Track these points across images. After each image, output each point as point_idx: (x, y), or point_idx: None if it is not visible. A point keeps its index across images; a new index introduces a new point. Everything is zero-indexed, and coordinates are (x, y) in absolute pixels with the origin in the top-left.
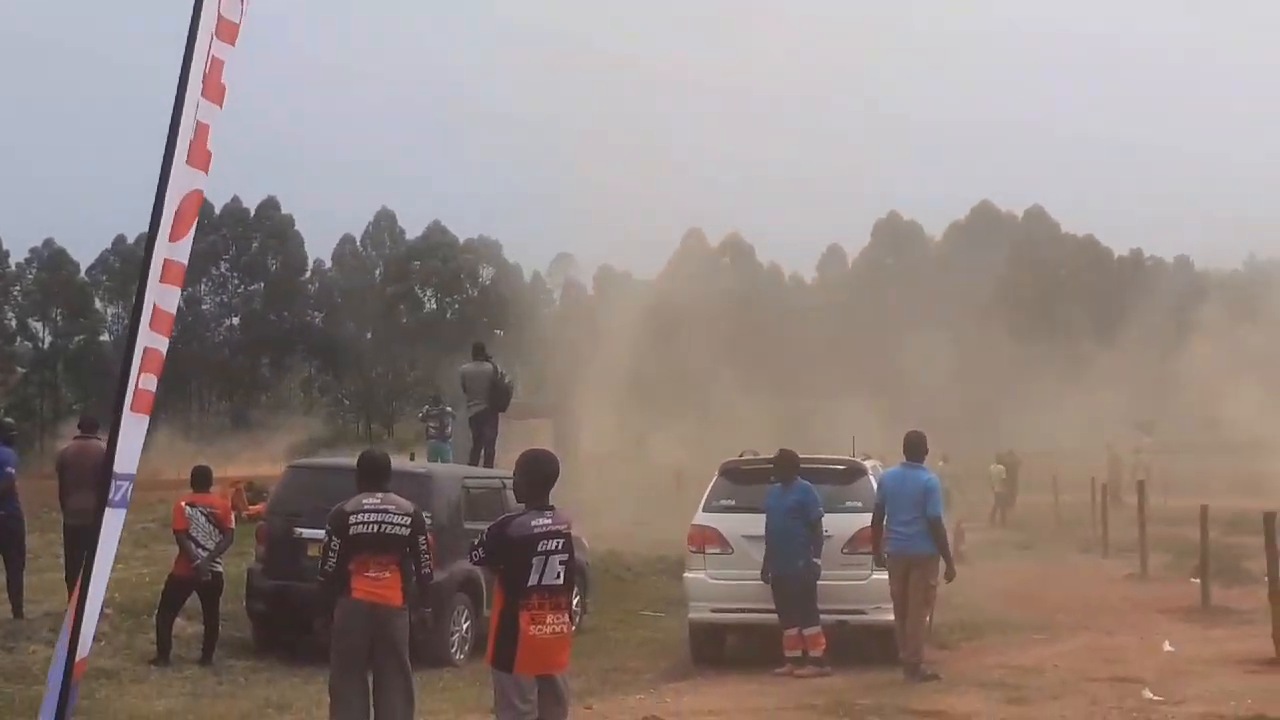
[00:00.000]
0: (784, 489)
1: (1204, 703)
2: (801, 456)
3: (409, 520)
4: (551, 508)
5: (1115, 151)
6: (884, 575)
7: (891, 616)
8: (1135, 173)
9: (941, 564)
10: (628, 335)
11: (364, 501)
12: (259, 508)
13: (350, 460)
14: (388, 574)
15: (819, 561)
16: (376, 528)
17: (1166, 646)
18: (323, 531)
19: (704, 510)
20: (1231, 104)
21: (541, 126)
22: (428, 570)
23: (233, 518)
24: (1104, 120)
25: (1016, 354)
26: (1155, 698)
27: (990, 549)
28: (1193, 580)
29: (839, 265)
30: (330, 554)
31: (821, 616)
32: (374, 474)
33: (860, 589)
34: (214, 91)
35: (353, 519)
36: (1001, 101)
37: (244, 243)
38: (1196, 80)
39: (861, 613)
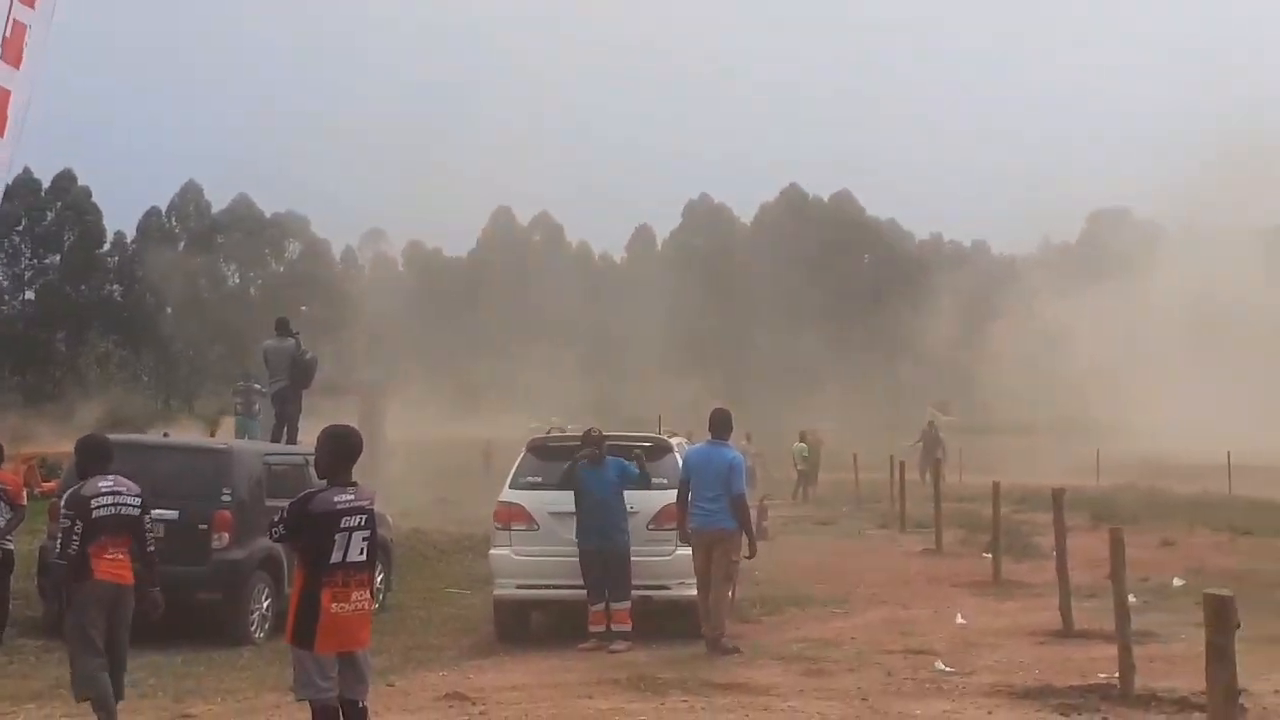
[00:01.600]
0: (596, 466)
1: (994, 673)
2: (608, 434)
3: (139, 500)
4: (354, 483)
5: (918, 136)
6: (688, 551)
7: (695, 592)
8: (935, 157)
9: (744, 540)
10: (438, 312)
11: (99, 485)
12: (52, 484)
13: (145, 437)
14: (122, 554)
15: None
16: (114, 510)
17: (959, 619)
18: None
19: (511, 487)
20: (1025, 91)
21: (352, 98)
22: (153, 548)
23: (24, 494)
24: (907, 105)
25: (824, 335)
26: (947, 669)
27: (792, 525)
28: (985, 555)
29: (648, 246)
30: (73, 538)
31: (630, 591)
32: (101, 456)
33: (664, 565)
34: (13, 56)
35: (94, 503)
36: (808, 85)
37: (37, 214)
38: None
39: (665, 588)
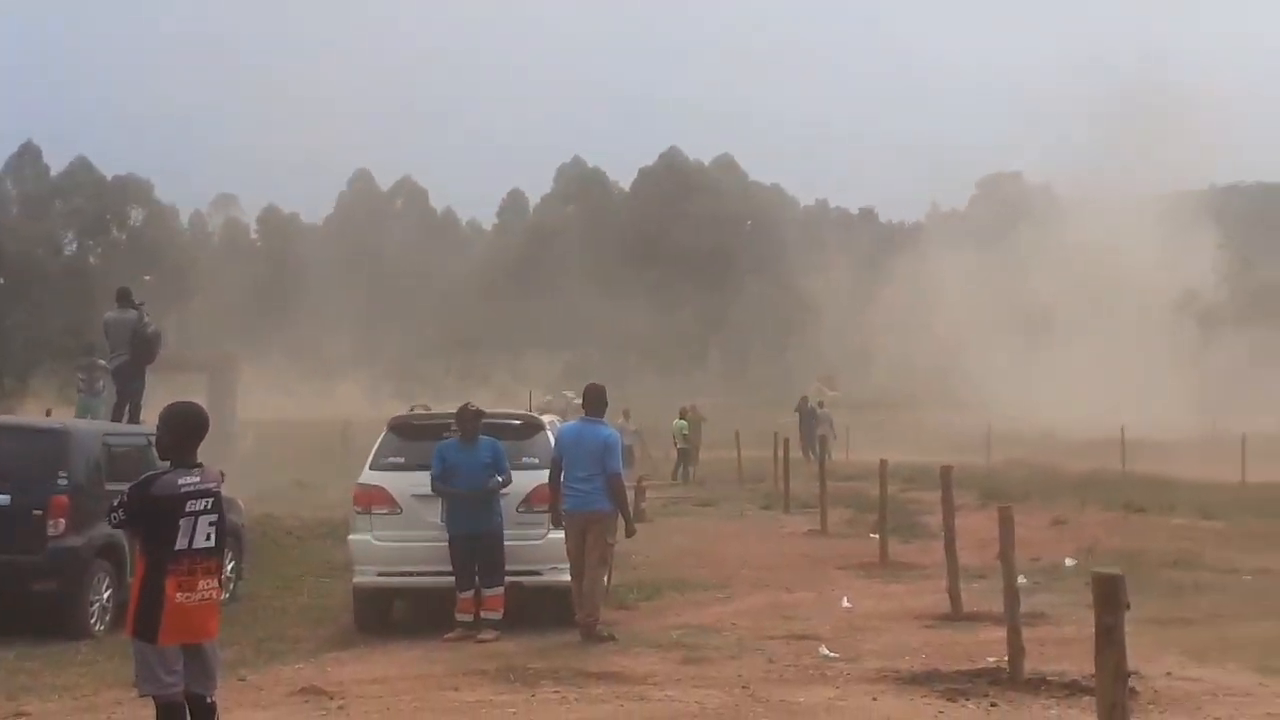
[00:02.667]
0: (467, 445)
1: (879, 658)
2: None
3: None
4: (200, 465)
5: (806, 104)
6: (560, 535)
7: (568, 577)
8: (821, 125)
9: (620, 521)
10: (295, 282)
11: None
12: None
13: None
14: None
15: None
16: None
17: (845, 603)
18: None
19: (371, 468)
20: (916, 58)
21: (196, 50)
22: None
23: None
24: (793, 70)
25: (707, 305)
26: (832, 654)
27: (672, 506)
28: (872, 536)
29: (521, 212)
30: None
31: (503, 577)
32: None
33: (536, 549)
34: None
35: None
36: (688, 53)
37: None
38: (885, 34)
39: (537, 574)
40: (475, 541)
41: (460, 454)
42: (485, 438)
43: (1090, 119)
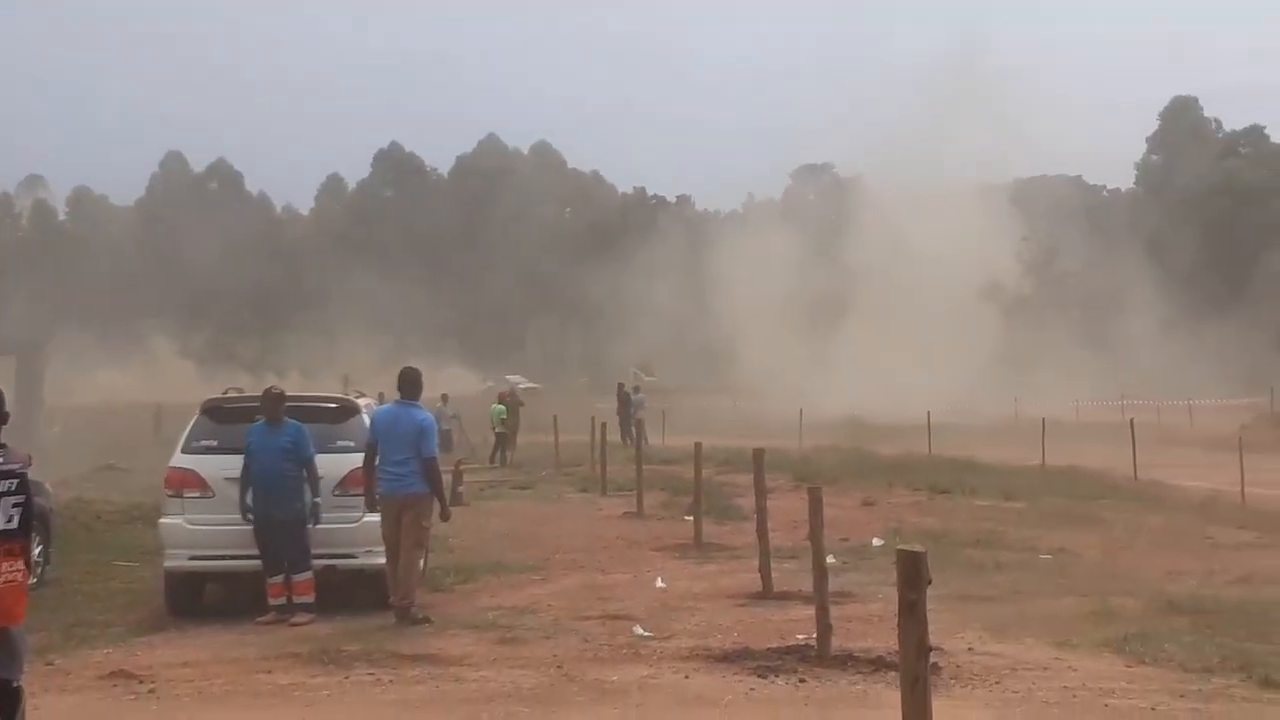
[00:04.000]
0: (272, 428)
1: (692, 637)
2: (290, 394)
3: None
4: (3, 446)
5: (623, 90)
6: (376, 518)
7: (383, 560)
8: (639, 111)
9: (436, 505)
10: (107, 265)
11: None
12: None
13: None
14: None
15: (319, 501)
16: None
17: (659, 583)
18: None
19: (183, 451)
20: (729, 48)
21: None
22: None
23: None
24: (609, 59)
25: (526, 291)
26: (645, 633)
27: (489, 490)
28: (686, 518)
29: (339, 197)
30: None
31: (311, 561)
32: None
33: (351, 532)
34: None
35: None
36: (508, 41)
37: None
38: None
39: (352, 557)
40: (276, 526)
41: (264, 437)
42: (291, 421)
43: (900, 112)
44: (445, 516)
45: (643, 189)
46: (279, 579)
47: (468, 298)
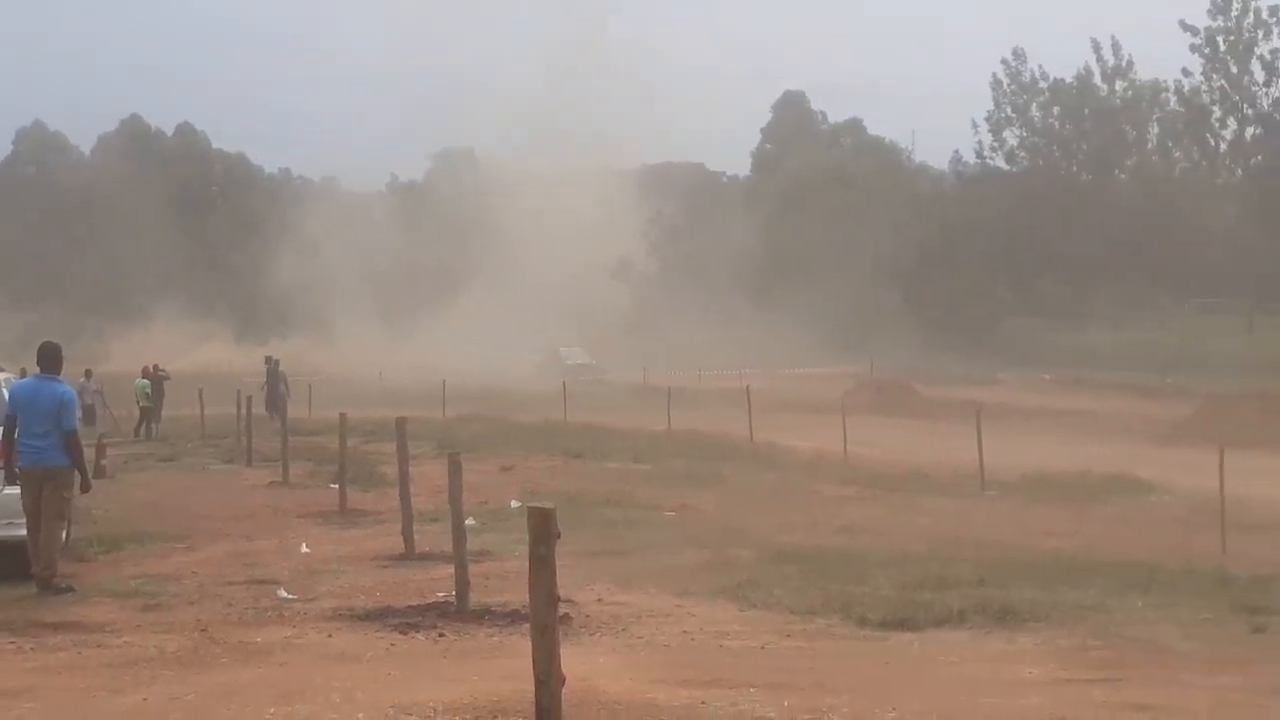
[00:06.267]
0: None
1: (336, 598)
2: None
3: None
4: None
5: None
6: (16, 491)
7: (24, 532)
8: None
9: (77, 477)
10: None
11: None
12: None
13: None
14: None
15: None
16: None
17: (304, 548)
18: None
19: None
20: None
21: None
22: None
23: None
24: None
25: (170, 268)
26: (290, 596)
27: (134, 463)
28: (332, 486)
29: None
30: None
31: None
32: None
33: None
34: None
35: None
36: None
37: None
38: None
39: None
40: None
41: None
42: None
43: (537, 100)
44: (86, 488)
45: (288, 169)
46: None
47: (106, 274)
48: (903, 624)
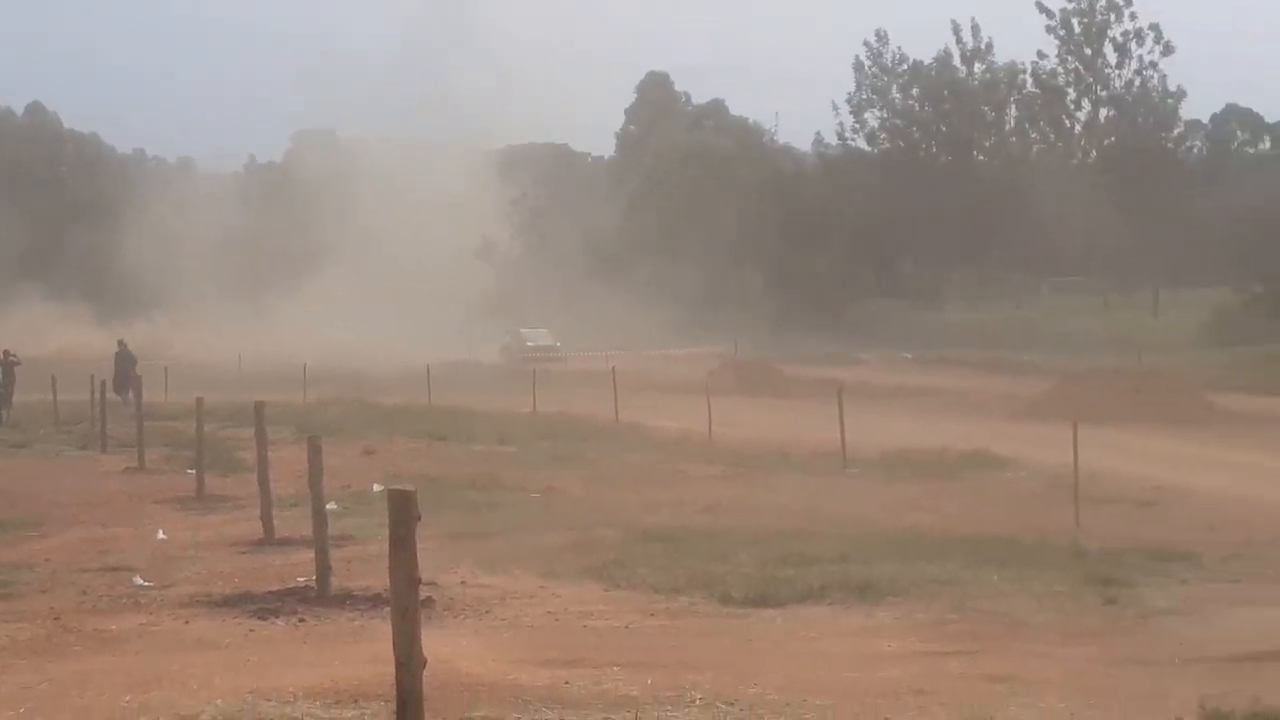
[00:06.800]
0: None
1: (193, 584)
2: None
3: None
4: None
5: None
6: None
7: None
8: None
9: None
10: None
11: None
12: None
13: None
14: None
15: None
16: None
17: (160, 535)
18: None
19: None
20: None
21: None
22: None
23: None
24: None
25: (26, 253)
26: (146, 583)
27: None
28: (189, 471)
29: None
30: None
31: None
32: None
33: None
34: None
35: None
36: None
37: None
38: None
39: None
40: None
41: None
42: None
43: (398, 79)
44: None
45: (142, 150)
46: None
47: None
48: (765, 601)
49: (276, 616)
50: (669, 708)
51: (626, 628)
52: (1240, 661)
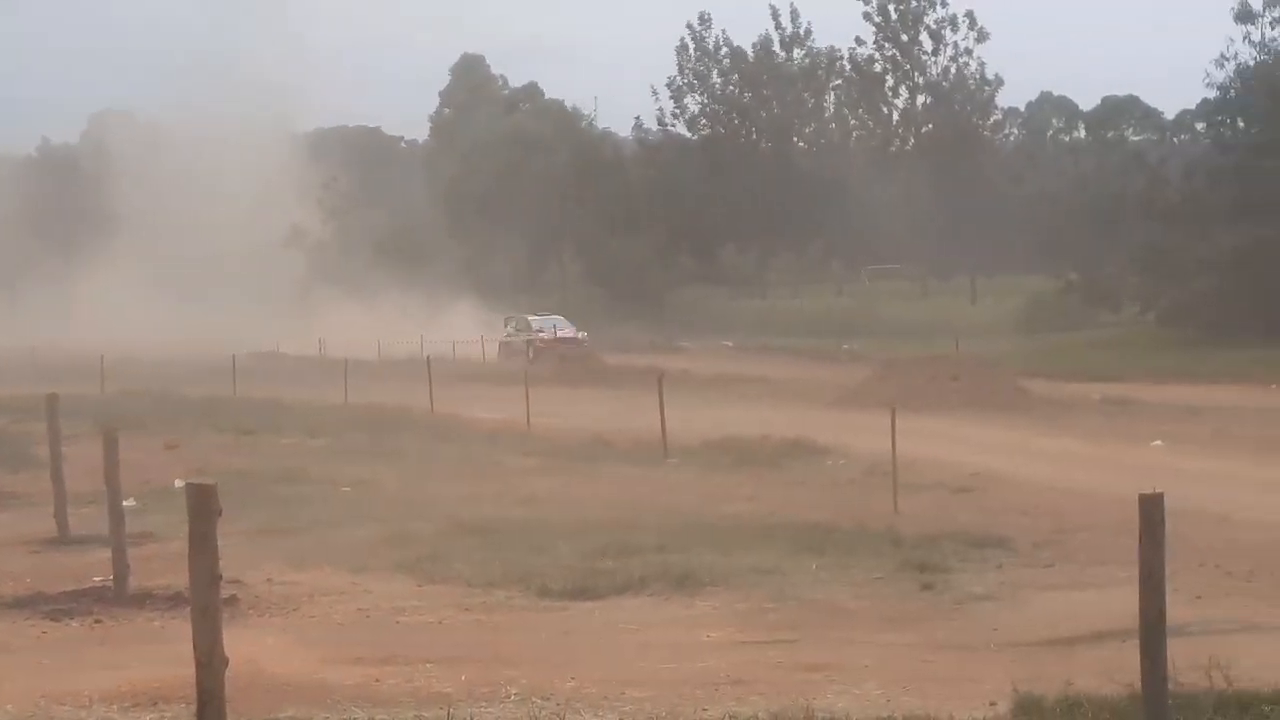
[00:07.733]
0: None
1: None
2: None
3: None
4: None
5: None
6: None
7: None
8: None
9: None
10: None
11: None
12: None
13: None
14: None
15: None
16: None
17: None
18: None
19: None
20: None
21: None
22: None
23: None
24: None
25: None
26: None
27: None
28: None
29: None
30: None
31: None
32: None
33: None
34: None
35: None
36: None
37: None
38: None
39: None
40: None
41: None
42: None
43: (200, 58)
44: None
45: None
46: None
47: None
48: (584, 593)
49: (71, 618)
50: (483, 704)
51: (440, 623)
52: (1053, 645)
